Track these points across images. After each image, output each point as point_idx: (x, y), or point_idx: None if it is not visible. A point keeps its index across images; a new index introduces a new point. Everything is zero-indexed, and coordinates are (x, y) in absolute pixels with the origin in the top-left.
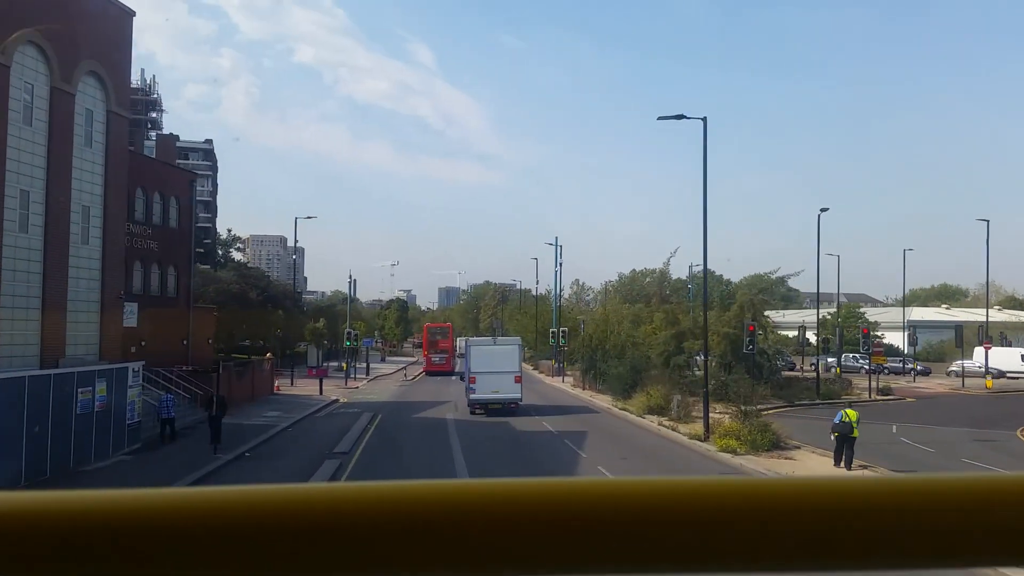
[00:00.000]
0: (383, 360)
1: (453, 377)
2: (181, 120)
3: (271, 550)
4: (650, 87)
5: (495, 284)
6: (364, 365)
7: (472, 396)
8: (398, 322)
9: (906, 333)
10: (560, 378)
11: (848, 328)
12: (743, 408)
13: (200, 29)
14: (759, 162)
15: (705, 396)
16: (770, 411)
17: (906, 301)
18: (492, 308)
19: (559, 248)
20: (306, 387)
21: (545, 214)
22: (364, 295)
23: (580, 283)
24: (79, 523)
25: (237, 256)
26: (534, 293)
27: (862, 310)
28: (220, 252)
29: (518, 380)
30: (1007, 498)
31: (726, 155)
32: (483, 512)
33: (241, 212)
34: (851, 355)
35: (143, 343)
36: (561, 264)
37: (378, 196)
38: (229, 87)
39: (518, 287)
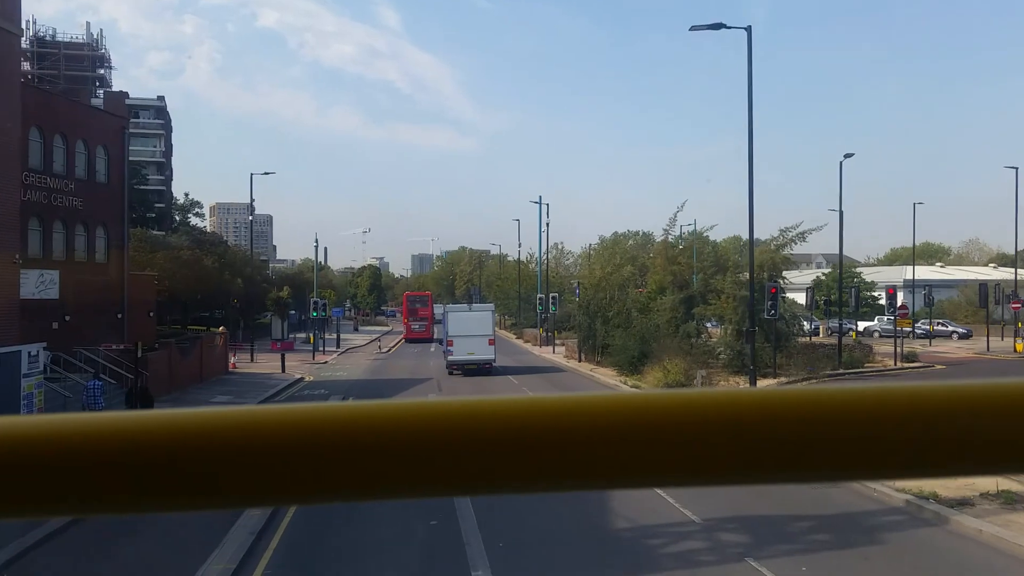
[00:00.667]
0: (356, 330)
1: (432, 346)
2: (144, 87)
3: (247, 474)
4: (624, 50)
5: (471, 249)
6: (334, 336)
7: (450, 358)
8: (371, 290)
9: (923, 293)
10: (551, 348)
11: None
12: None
13: None
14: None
15: (752, 374)
16: (796, 383)
17: (888, 261)
18: (468, 274)
19: (544, 208)
20: (268, 363)
21: (521, 181)
22: (336, 263)
23: (560, 246)
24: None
25: (197, 223)
26: (513, 258)
27: (857, 269)
28: (177, 218)
29: (491, 343)
30: (968, 407)
31: (715, 116)
32: (463, 430)
33: (207, 180)
34: (871, 320)
35: (67, 318)
36: (548, 224)
37: (348, 163)
38: (192, 53)
39: (497, 251)
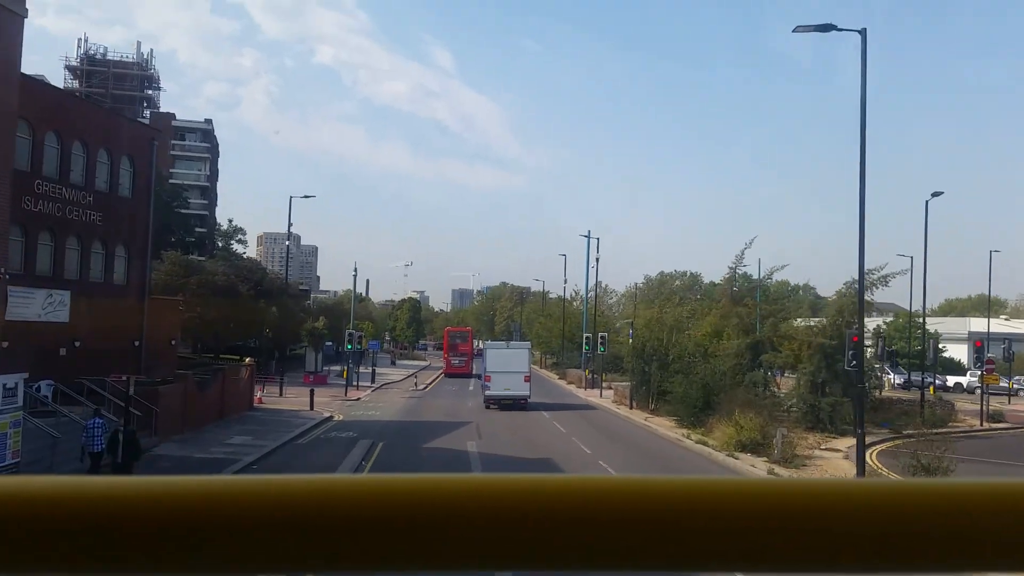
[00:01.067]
0: (393, 363)
1: (470, 383)
2: (200, 116)
3: (266, 544)
4: (670, 89)
5: (511, 285)
6: (370, 370)
7: (487, 393)
8: (410, 323)
9: (1001, 347)
10: (597, 392)
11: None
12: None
13: (222, 28)
14: (776, 168)
15: (860, 440)
16: (882, 445)
17: (943, 311)
18: (508, 309)
19: (593, 243)
20: (299, 398)
21: (564, 219)
22: (378, 296)
23: (604, 286)
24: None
25: (239, 250)
26: (556, 295)
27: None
28: (220, 244)
29: (527, 379)
30: (1005, 504)
31: (741, 159)
32: (489, 507)
33: (255, 209)
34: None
35: (76, 343)
36: (598, 260)
37: (394, 198)
38: (249, 86)
39: (541, 286)
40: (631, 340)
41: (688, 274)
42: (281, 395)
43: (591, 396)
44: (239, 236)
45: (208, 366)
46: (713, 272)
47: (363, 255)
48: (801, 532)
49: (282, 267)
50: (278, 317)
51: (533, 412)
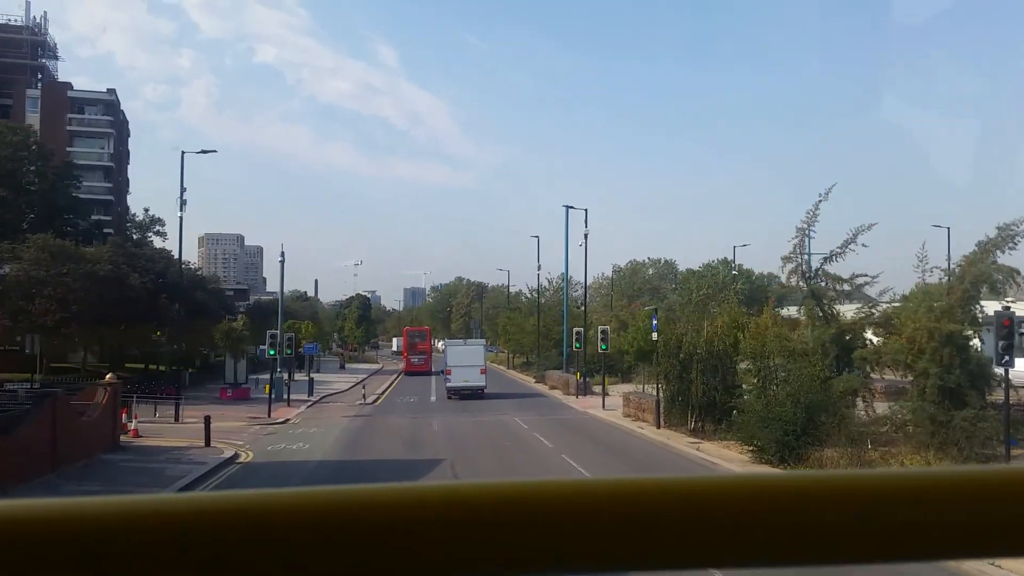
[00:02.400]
0: (342, 367)
1: (431, 381)
2: (140, 118)
3: (271, 556)
4: (614, 87)
5: (468, 280)
6: (307, 379)
7: (449, 384)
8: (360, 322)
9: None
10: (597, 401)
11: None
12: None
13: (160, 28)
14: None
15: None
16: None
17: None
18: (465, 306)
19: (581, 218)
20: (200, 424)
21: (516, 216)
22: (328, 296)
23: (567, 278)
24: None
25: (158, 243)
26: (518, 289)
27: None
28: (135, 236)
29: (483, 372)
30: (972, 491)
31: (696, 153)
32: (488, 513)
33: (201, 211)
34: None
35: None
36: (586, 235)
37: (343, 197)
38: (189, 87)
39: (505, 277)
40: (656, 335)
41: (662, 261)
42: (177, 420)
43: (591, 408)
44: (157, 227)
45: (61, 382)
46: (687, 261)
47: (311, 256)
48: (781, 526)
49: (226, 269)
50: (185, 317)
51: (534, 442)
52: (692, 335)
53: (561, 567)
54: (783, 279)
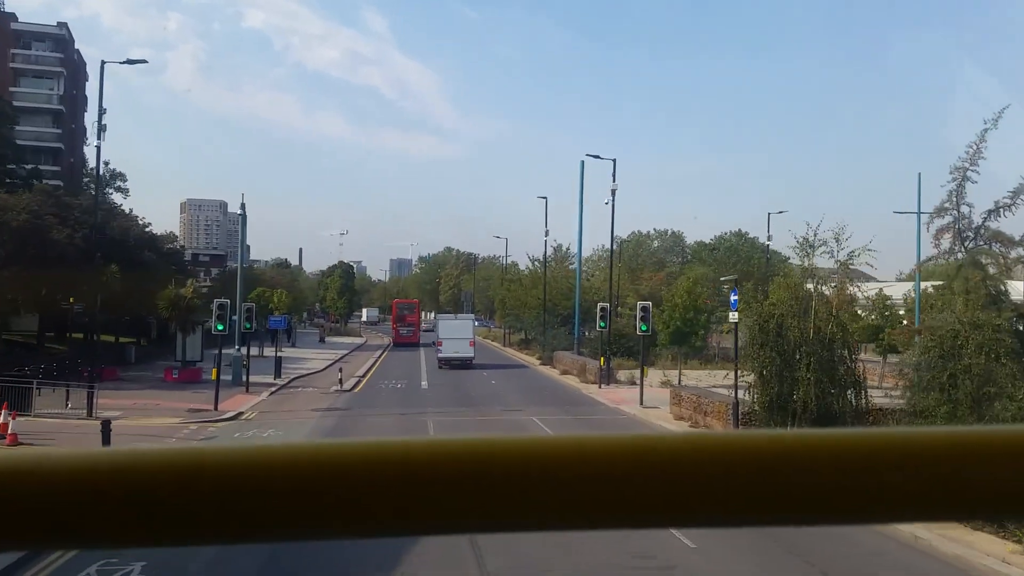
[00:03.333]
0: (322, 341)
1: (420, 356)
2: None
3: (261, 510)
4: (608, 68)
5: (457, 251)
6: (275, 355)
7: (440, 355)
8: (342, 292)
9: None
10: (632, 394)
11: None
12: None
13: None
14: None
15: None
16: None
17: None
18: (455, 277)
19: (599, 174)
20: (126, 419)
21: (506, 189)
22: (313, 266)
23: (564, 247)
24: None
25: (119, 200)
26: (512, 260)
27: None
28: (92, 190)
29: (472, 344)
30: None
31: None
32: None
33: (184, 176)
34: None
35: None
36: (614, 192)
37: (329, 166)
38: (175, 51)
39: (503, 246)
40: (735, 313)
41: (669, 233)
42: (90, 414)
43: (624, 403)
44: (118, 182)
45: None
46: (695, 233)
47: (298, 225)
48: (756, 485)
49: (208, 236)
50: (121, 280)
51: None
52: (793, 318)
53: (541, 524)
54: (932, 241)
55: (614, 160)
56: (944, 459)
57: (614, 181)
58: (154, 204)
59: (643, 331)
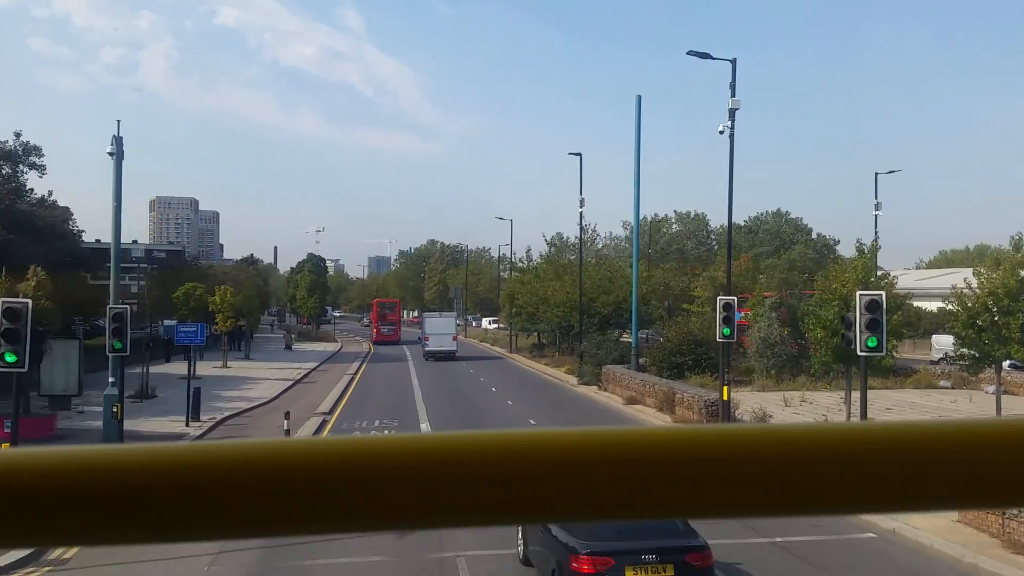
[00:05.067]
0: (288, 348)
1: (405, 359)
2: (99, 82)
3: (248, 506)
4: (586, 65)
5: (442, 244)
6: (190, 382)
7: (427, 349)
8: (313, 289)
9: None
10: None
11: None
12: None
13: None
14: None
15: None
16: None
17: (938, 265)
18: (440, 272)
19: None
20: None
21: (484, 186)
22: (287, 265)
23: (591, 227)
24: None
25: (33, 180)
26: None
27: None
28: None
29: (455, 339)
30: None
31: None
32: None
33: (156, 177)
34: None
35: None
36: (733, 114)
37: (306, 164)
38: (148, 50)
39: (487, 240)
40: None
41: (692, 215)
42: None
43: None
44: (31, 158)
45: None
46: (720, 216)
47: (273, 224)
48: (773, 477)
49: (179, 235)
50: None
51: None
52: None
53: (548, 515)
54: None
55: (733, 60)
56: (940, 449)
57: (733, 95)
58: (129, 205)
59: (726, 336)
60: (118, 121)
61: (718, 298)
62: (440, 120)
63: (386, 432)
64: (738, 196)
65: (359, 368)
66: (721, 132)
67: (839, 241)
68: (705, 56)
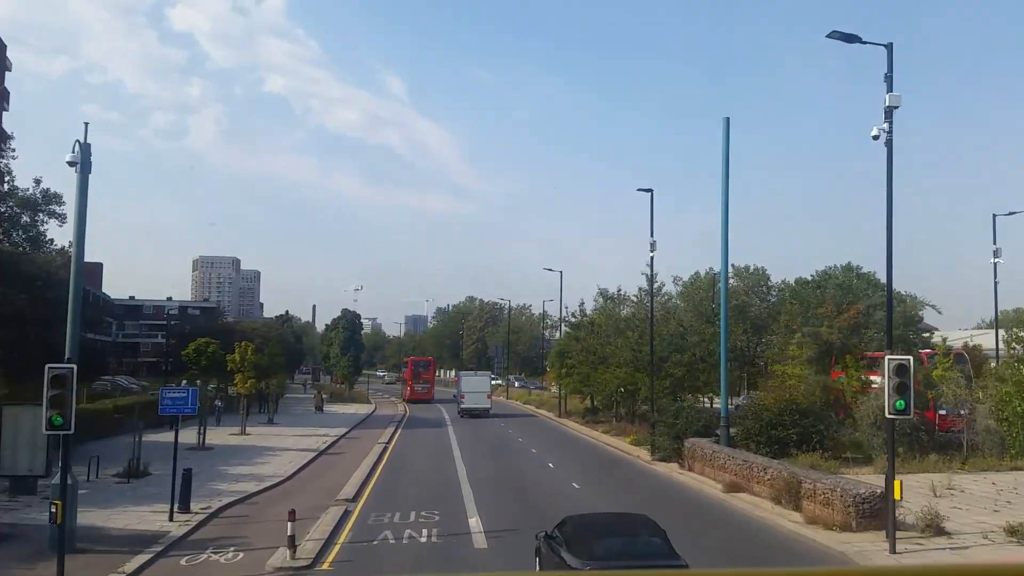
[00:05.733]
0: (319, 410)
1: (441, 426)
2: (147, 146)
3: None
4: (618, 131)
5: (481, 301)
6: (179, 464)
7: (462, 406)
8: (347, 346)
9: None
10: None
11: None
12: None
13: (170, 57)
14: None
15: None
16: None
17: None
18: (479, 330)
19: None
20: None
21: (520, 247)
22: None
23: (614, 292)
24: None
25: (54, 229)
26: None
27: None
28: (19, 214)
29: (489, 396)
30: None
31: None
32: None
33: (200, 238)
34: None
35: None
36: (890, 82)
37: (346, 226)
38: (198, 115)
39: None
40: None
41: (751, 269)
42: None
43: None
44: (51, 207)
45: None
46: (782, 271)
47: (313, 284)
48: None
49: (220, 294)
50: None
51: None
52: None
53: None
54: None
55: (888, 45)
56: None
57: (890, 89)
58: (172, 264)
59: (899, 411)
60: (85, 124)
61: (886, 358)
62: (477, 181)
63: (422, 535)
64: (794, 250)
65: (393, 435)
66: (876, 137)
67: (914, 296)
68: (853, 39)
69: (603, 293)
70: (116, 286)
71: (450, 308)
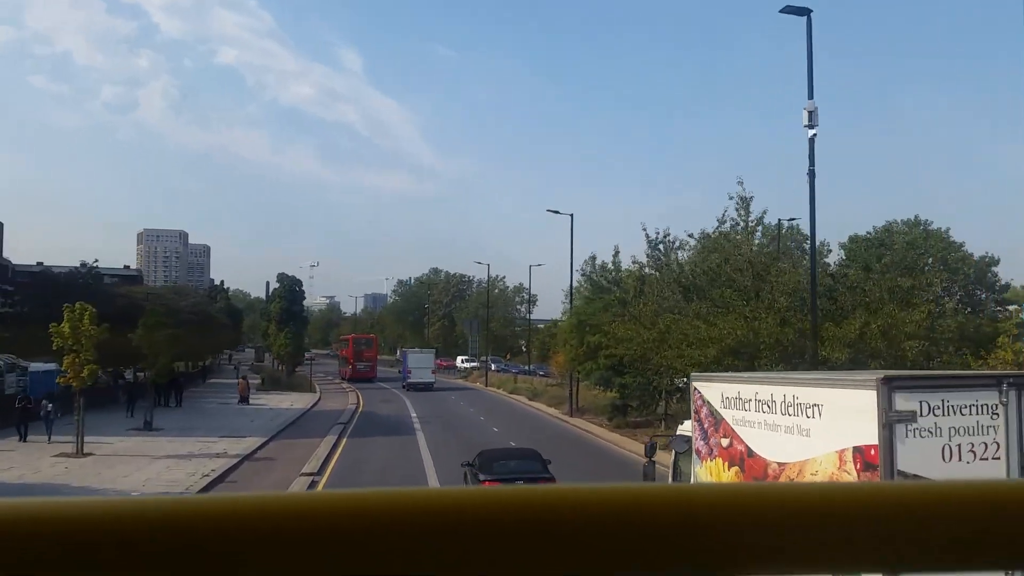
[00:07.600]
0: (244, 402)
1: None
2: (96, 120)
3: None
4: (581, 115)
5: (447, 273)
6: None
7: (408, 380)
8: (283, 320)
9: None
10: None
11: None
12: None
13: (118, 28)
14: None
15: None
16: None
17: None
18: (444, 305)
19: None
20: None
21: (481, 226)
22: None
23: (665, 235)
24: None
25: None
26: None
27: None
28: None
29: (433, 372)
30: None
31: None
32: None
33: (145, 209)
34: None
35: None
36: None
37: (301, 202)
38: (147, 88)
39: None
40: None
41: (788, 225)
42: None
43: None
44: None
45: None
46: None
47: (268, 261)
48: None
49: (167, 269)
50: None
51: None
52: None
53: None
54: None
55: None
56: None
57: None
58: (115, 239)
59: None
60: None
61: None
62: (438, 161)
63: None
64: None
65: (331, 453)
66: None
67: (998, 260)
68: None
69: (648, 240)
70: (55, 258)
71: (412, 281)
